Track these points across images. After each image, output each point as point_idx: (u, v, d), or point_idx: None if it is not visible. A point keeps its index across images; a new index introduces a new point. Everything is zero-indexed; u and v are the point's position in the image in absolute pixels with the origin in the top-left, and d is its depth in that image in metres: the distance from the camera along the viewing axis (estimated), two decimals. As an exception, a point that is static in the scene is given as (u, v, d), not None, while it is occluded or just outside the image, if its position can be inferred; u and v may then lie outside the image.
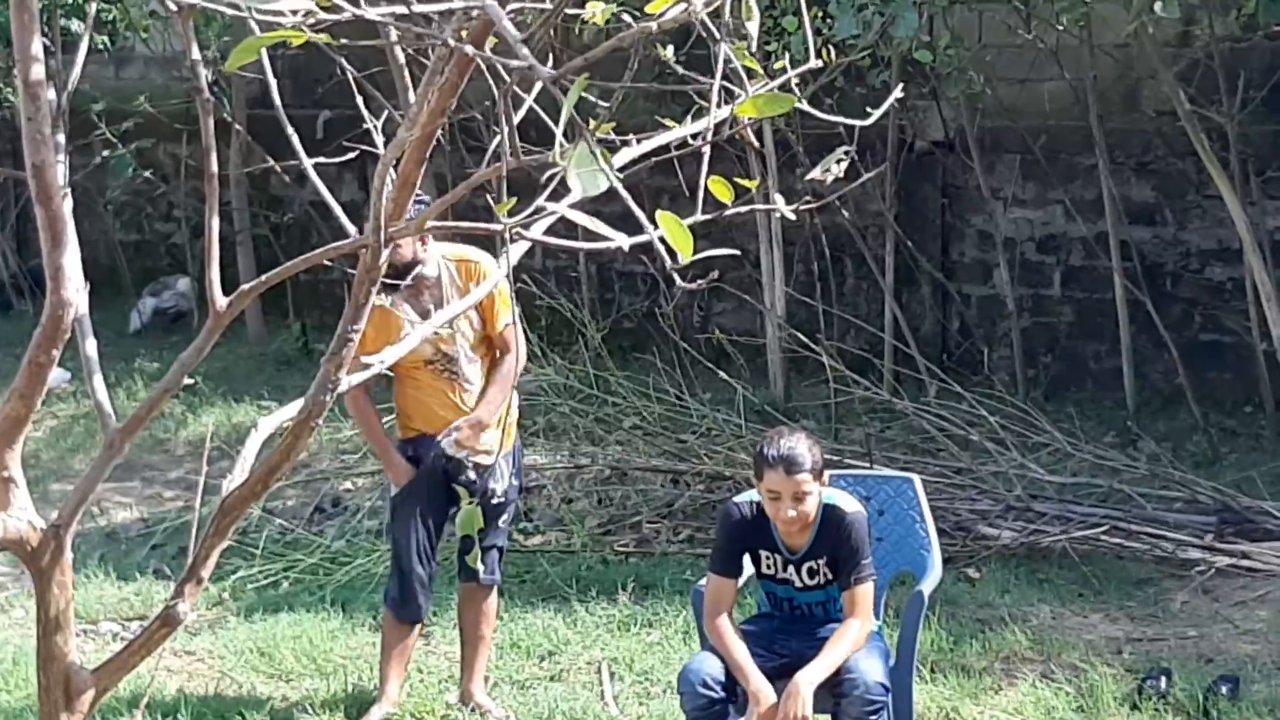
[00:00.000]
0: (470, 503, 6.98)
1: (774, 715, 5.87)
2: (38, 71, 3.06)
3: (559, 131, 2.81)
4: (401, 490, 7.13)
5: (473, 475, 7.06)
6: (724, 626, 6.10)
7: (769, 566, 6.30)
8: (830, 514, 6.14)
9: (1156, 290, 11.56)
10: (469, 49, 2.86)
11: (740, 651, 6.03)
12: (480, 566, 7.14)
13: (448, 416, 7.03)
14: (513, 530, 9.35)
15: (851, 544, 6.10)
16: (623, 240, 2.94)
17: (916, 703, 6.60)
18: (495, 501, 7.13)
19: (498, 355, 7.13)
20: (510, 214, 3.14)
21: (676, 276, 2.84)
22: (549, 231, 3.43)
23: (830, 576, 6.21)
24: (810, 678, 5.91)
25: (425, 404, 7.07)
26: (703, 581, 6.43)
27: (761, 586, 6.44)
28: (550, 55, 3.10)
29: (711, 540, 8.93)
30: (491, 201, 3.09)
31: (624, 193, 2.73)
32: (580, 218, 3.01)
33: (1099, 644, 7.90)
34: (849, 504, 6.19)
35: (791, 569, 6.25)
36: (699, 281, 3.08)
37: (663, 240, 2.75)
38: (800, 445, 6.05)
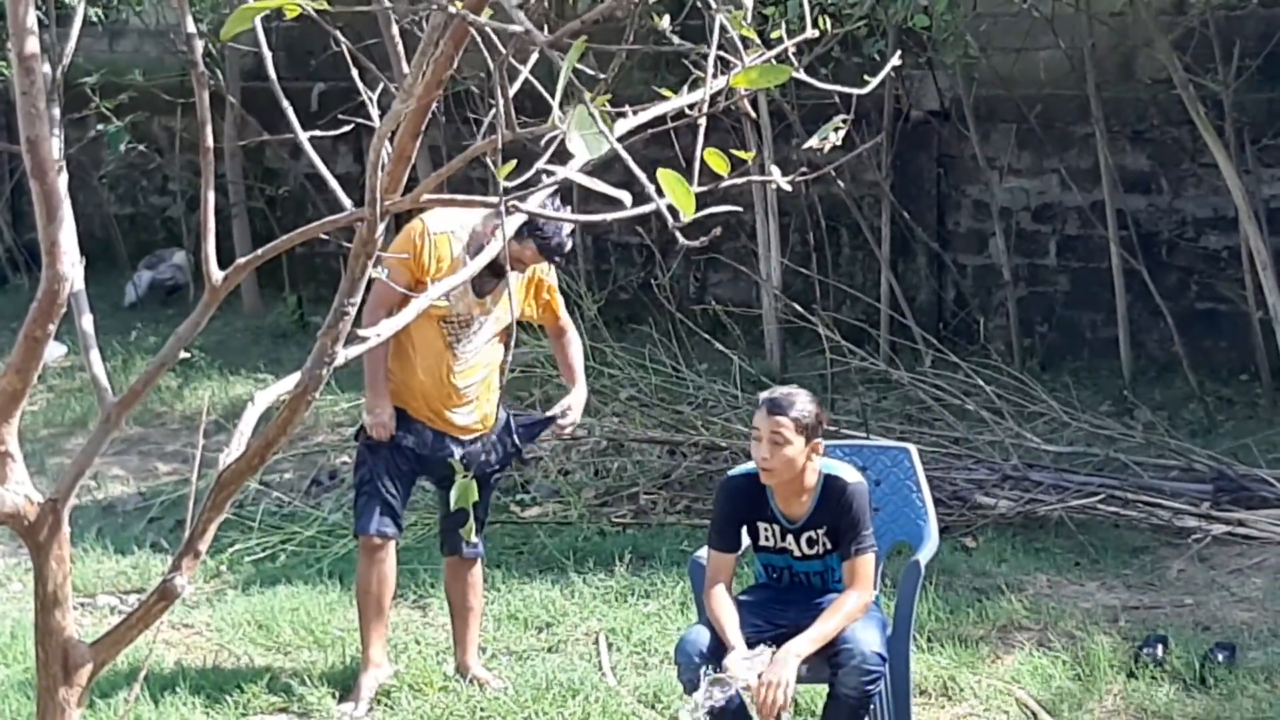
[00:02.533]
0: (465, 477, 6.98)
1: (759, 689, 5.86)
2: (32, 45, 3.05)
3: (557, 96, 2.81)
4: (374, 452, 7.13)
5: (460, 452, 7.08)
6: (718, 598, 6.10)
7: (768, 538, 6.29)
8: (831, 484, 6.14)
9: (1152, 259, 11.56)
10: (465, 12, 2.86)
11: (729, 622, 6.01)
12: (473, 540, 7.16)
13: (426, 383, 7.04)
14: (509, 502, 9.37)
15: (852, 514, 6.09)
16: (626, 200, 2.94)
17: (914, 672, 6.61)
18: (489, 471, 7.16)
19: (561, 337, 7.40)
20: (509, 179, 3.13)
21: (680, 235, 2.83)
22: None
23: (830, 546, 6.21)
24: (799, 648, 5.90)
25: (412, 364, 7.06)
26: (700, 552, 6.42)
27: (759, 559, 6.43)
28: (545, 27, 3.09)
29: (708, 510, 8.95)
30: (492, 165, 3.09)
31: (624, 154, 2.73)
32: (584, 179, 3.01)
33: (1096, 612, 7.92)
34: (850, 474, 6.18)
35: (790, 538, 6.24)
36: (702, 239, 3.08)
37: (664, 200, 2.75)
38: (794, 396, 6.08)
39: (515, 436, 7.30)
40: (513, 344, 6.58)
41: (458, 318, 7.00)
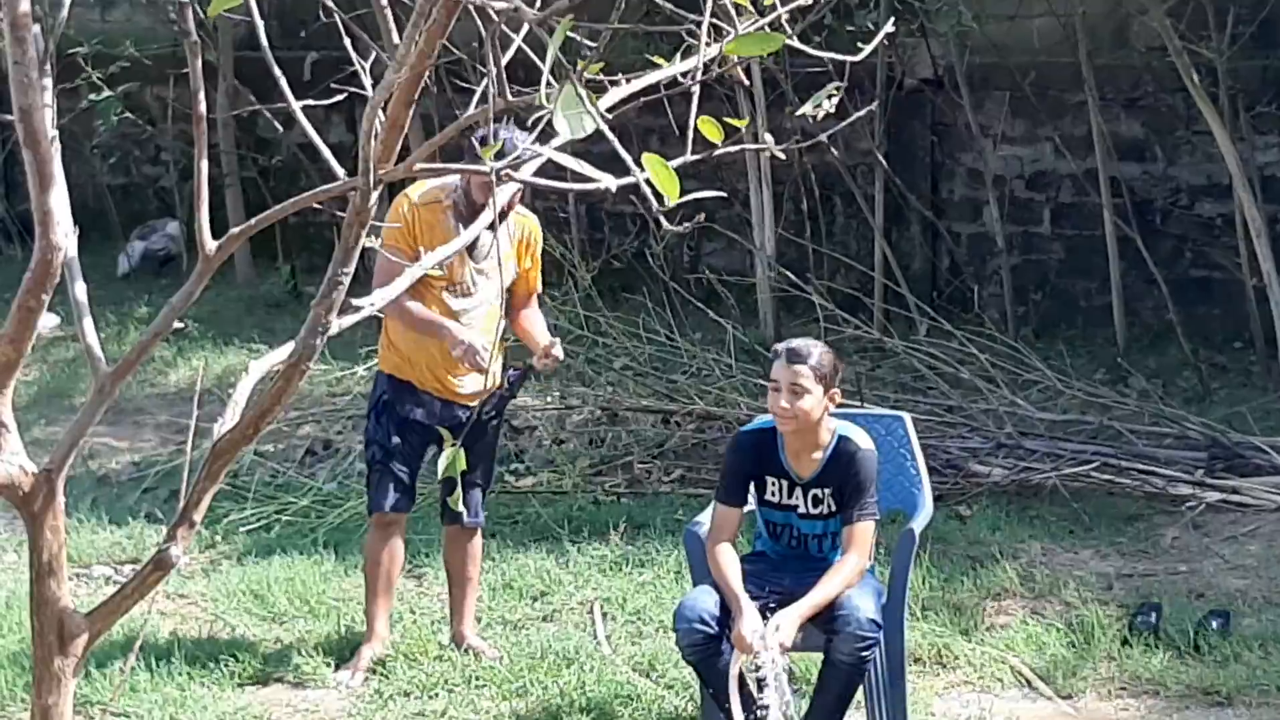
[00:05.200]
0: (453, 445, 6.99)
1: (751, 641, 5.89)
2: (24, 15, 3.05)
3: (545, 73, 2.81)
4: (384, 430, 7.13)
5: (465, 416, 7.08)
6: (724, 552, 6.14)
7: (773, 493, 6.30)
8: (843, 445, 6.17)
9: (1146, 227, 11.56)
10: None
11: (735, 578, 6.06)
12: (463, 509, 7.14)
13: (434, 351, 7.03)
14: (504, 472, 9.37)
15: (859, 479, 6.12)
16: (610, 181, 2.93)
17: (908, 640, 6.62)
18: (487, 420, 7.15)
19: (529, 304, 7.28)
20: (497, 156, 3.13)
21: (664, 220, 2.83)
22: (538, 173, 3.43)
23: (834, 507, 6.22)
24: (798, 611, 5.94)
25: (417, 338, 7.04)
26: (695, 521, 6.44)
27: (762, 515, 6.43)
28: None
29: (703, 480, 8.98)
30: (477, 144, 3.08)
31: (611, 136, 2.72)
32: (567, 160, 3.00)
33: (1090, 580, 7.93)
34: (863, 440, 6.20)
35: (798, 492, 6.26)
36: (685, 225, 3.08)
37: (649, 183, 2.74)
38: (812, 346, 6.16)
39: (507, 381, 7.24)
40: (501, 304, 6.57)
41: (459, 285, 7.01)
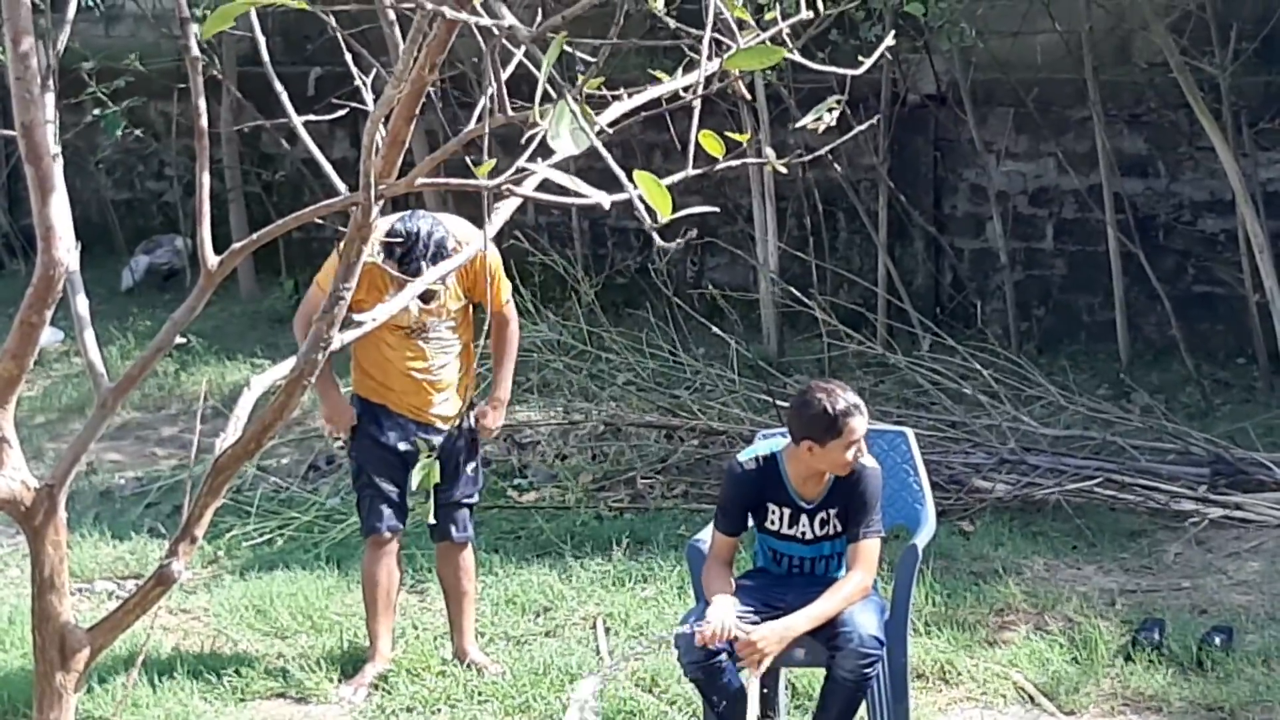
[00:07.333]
0: (429, 456, 7.05)
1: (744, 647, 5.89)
2: (27, 30, 3.05)
3: (539, 90, 2.81)
4: (363, 454, 7.16)
5: (438, 440, 7.10)
6: (719, 578, 6.12)
7: (774, 521, 6.28)
8: None
9: (1149, 242, 11.56)
10: (448, 12, 2.86)
11: (721, 594, 6.06)
12: (451, 525, 7.18)
13: (405, 381, 7.06)
14: (506, 487, 9.37)
15: (865, 498, 6.12)
16: (603, 199, 2.93)
17: (911, 656, 6.62)
18: (458, 461, 7.17)
19: (498, 328, 7.28)
20: (493, 173, 3.13)
21: (657, 236, 2.84)
22: (541, 188, 3.43)
23: (839, 528, 6.21)
24: (792, 623, 5.92)
25: (388, 366, 7.08)
26: (697, 537, 6.43)
27: (762, 542, 6.42)
28: (540, 11, 3.10)
29: (706, 495, 8.97)
30: (472, 164, 3.09)
31: (604, 152, 2.73)
32: (561, 177, 3.00)
33: (1093, 596, 7.92)
34: (868, 459, 6.20)
35: (804, 519, 6.23)
36: (680, 239, 3.08)
37: (643, 199, 2.75)
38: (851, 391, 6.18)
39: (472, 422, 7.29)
40: (472, 321, 6.52)
41: (414, 324, 7.02)
